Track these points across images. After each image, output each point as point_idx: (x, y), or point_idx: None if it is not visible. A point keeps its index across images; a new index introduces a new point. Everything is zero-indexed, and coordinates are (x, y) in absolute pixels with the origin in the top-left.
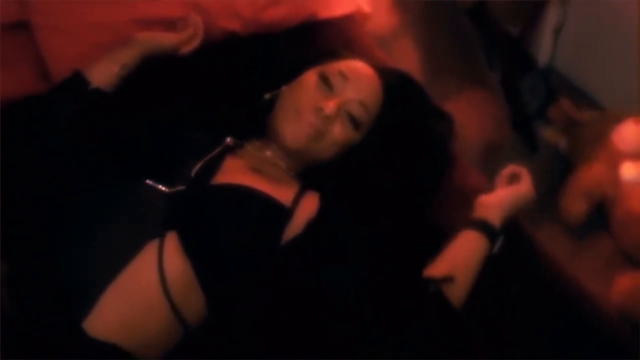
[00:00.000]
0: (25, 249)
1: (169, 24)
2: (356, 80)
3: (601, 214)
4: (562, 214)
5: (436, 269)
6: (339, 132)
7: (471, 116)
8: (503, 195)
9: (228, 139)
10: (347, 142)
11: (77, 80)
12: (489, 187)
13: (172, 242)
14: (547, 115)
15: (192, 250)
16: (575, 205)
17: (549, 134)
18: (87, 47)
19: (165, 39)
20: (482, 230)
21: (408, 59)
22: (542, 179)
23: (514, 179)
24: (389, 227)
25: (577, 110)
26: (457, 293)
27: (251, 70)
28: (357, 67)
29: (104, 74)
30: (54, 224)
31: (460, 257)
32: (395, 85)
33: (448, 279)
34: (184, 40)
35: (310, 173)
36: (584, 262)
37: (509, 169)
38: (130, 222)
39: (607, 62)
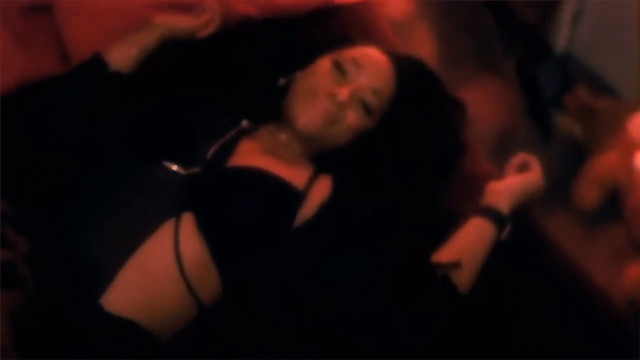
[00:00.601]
0: (43, 226)
1: (186, 8)
2: (369, 68)
3: (614, 203)
4: (575, 202)
5: (444, 254)
6: (352, 118)
7: (485, 105)
8: (512, 183)
9: (243, 122)
10: (360, 128)
11: (96, 63)
12: (499, 174)
13: (188, 222)
14: (562, 103)
15: (207, 230)
16: (588, 193)
17: (564, 122)
18: (107, 30)
19: (184, 23)
20: (490, 218)
21: (423, 46)
22: (556, 166)
23: (524, 167)
24: (400, 211)
25: (594, 97)
26: (463, 279)
27: (267, 55)
28: (371, 54)
29: (122, 56)
30: (71, 202)
31: (468, 244)
32: (408, 72)
33: (455, 265)
34: (202, 25)
35: (323, 157)
36: (596, 250)
37: (519, 157)
38: (146, 202)
39: (626, 49)
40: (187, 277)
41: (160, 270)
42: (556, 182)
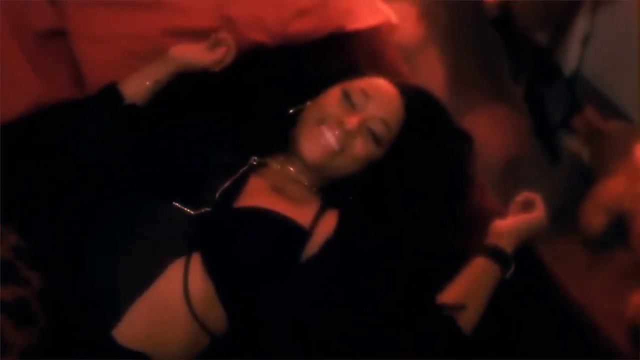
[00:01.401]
0: (57, 260)
1: (200, 34)
2: (378, 98)
3: (619, 228)
4: (581, 226)
5: (450, 294)
6: (360, 147)
7: (493, 131)
8: (516, 222)
9: (253, 159)
10: (368, 158)
11: (112, 94)
12: (504, 211)
13: (197, 262)
14: (571, 125)
15: (214, 272)
16: (594, 218)
17: (572, 144)
18: (121, 55)
19: (199, 58)
20: (495, 258)
21: (432, 72)
22: (563, 189)
23: (527, 205)
24: (406, 245)
25: (602, 119)
26: (468, 319)
27: (277, 85)
28: (380, 85)
29: (137, 88)
30: (85, 236)
31: (473, 285)
32: (416, 103)
33: (460, 307)
34: (217, 59)
35: (332, 188)
36: (600, 275)
37: (523, 196)
38: (158, 241)
39: (635, 71)
40: (196, 313)
41: (170, 306)
42: (563, 205)
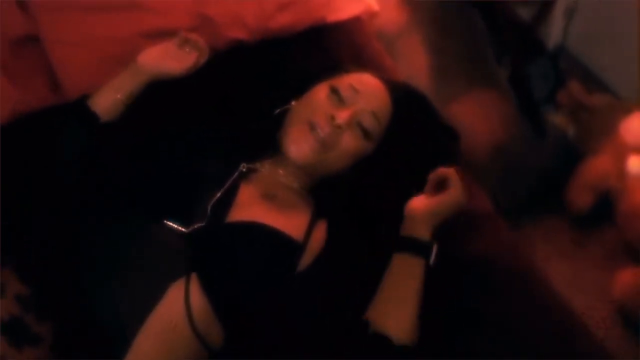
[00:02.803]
0: (56, 294)
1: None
2: (367, 92)
3: (606, 206)
4: (567, 205)
5: (376, 311)
6: (350, 142)
7: (479, 117)
8: (431, 205)
9: (242, 166)
10: (358, 153)
11: (85, 114)
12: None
13: (195, 282)
14: (556, 100)
15: (210, 290)
16: (581, 196)
17: (557, 120)
18: (97, 59)
19: (171, 69)
20: (413, 250)
21: (415, 59)
22: (549, 166)
23: (443, 183)
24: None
25: (587, 93)
26: (403, 327)
27: (260, 85)
28: (367, 80)
29: (109, 103)
30: (81, 270)
31: (397, 288)
32: (403, 98)
33: (367, 323)
34: (189, 67)
35: (322, 187)
36: (587, 253)
37: (436, 173)
38: (154, 265)
39: (620, 43)
40: (199, 332)
41: (174, 330)
42: (549, 183)
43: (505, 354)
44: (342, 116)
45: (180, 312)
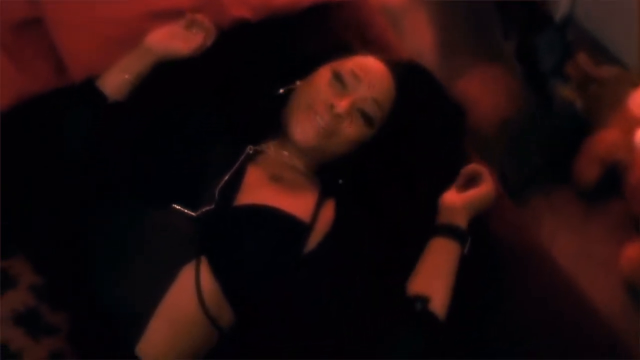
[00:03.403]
0: (67, 283)
1: (181, 15)
2: (369, 79)
3: (614, 179)
4: (575, 178)
5: (416, 284)
6: (351, 129)
7: (485, 91)
8: (467, 198)
9: (249, 148)
10: (360, 139)
11: (93, 94)
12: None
13: (205, 265)
14: (563, 73)
15: (219, 273)
16: (588, 169)
17: (565, 93)
18: (101, 41)
19: (178, 50)
20: (453, 236)
21: (420, 35)
22: (557, 139)
23: (474, 178)
24: (401, 229)
25: (595, 65)
26: (440, 305)
27: (265, 65)
28: (370, 64)
29: (117, 83)
30: (91, 256)
31: (438, 268)
32: (408, 78)
33: (426, 299)
34: (196, 48)
35: (328, 170)
36: (595, 225)
37: (470, 168)
38: (164, 250)
39: (628, 14)
40: (210, 315)
41: (186, 314)
42: (557, 156)
43: (509, 334)
44: (342, 105)
45: (191, 296)
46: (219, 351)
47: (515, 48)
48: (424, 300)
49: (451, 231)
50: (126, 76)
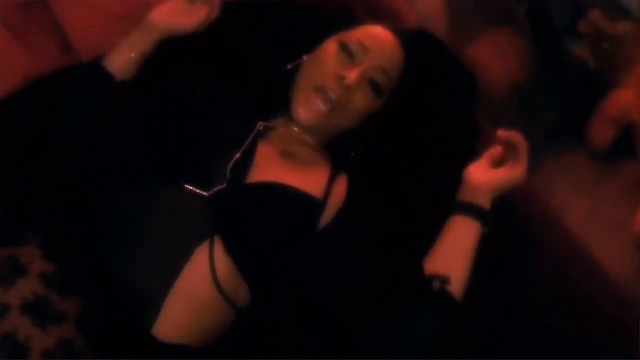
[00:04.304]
0: (79, 265)
1: None
2: (376, 48)
3: (628, 140)
4: (588, 141)
5: (437, 262)
6: (361, 101)
7: (496, 57)
8: (496, 180)
9: (259, 124)
10: (371, 110)
11: (101, 74)
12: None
13: (219, 244)
14: (577, 30)
15: (234, 252)
16: (602, 131)
17: (579, 51)
18: (106, 18)
19: (183, 25)
20: (475, 216)
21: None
22: (570, 99)
23: (510, 148)
24: (413, 205)
25: (609, 22)
26: (458, 285)
27: (272, 40)
28: (377, 33)
29: (123, 62)
30: (105, 236)
31: (455, 248)
32: (417, 47)
33: (446, 280)
34: (202, 23)
35: (339, 144)
36: (608, 187)
37: (509, 136)
38: (177, 230)
39: None
40: (225, 293)
41: (201, 294)
42: (570, 116)
43: (523, 309)
44: (352, 75)
45: (206, 275)
46: (235, 330)
47: (526, 8)
48: (444, 280)
49: (473, 211)
50: (132, 55)
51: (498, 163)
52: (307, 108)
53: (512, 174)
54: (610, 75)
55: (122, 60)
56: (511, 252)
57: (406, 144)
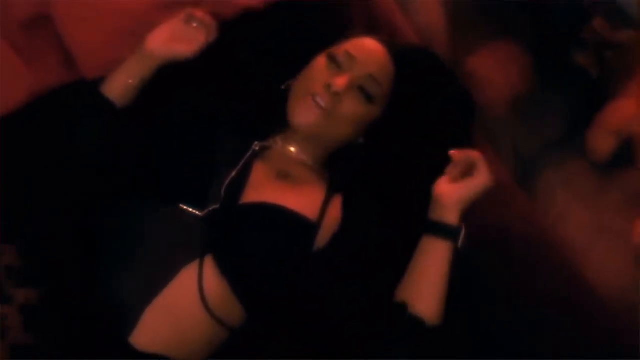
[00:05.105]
0: (64, 270)
1: (187, 5)
2: (363, 57)
3: (630, 150)
4: (589, 150)
5: (402, 289)
6: (351, 107)
7: (497, 68)
8: (460, 193)
9: (255, 144)
10: (363, 117)
11: (101, 103)
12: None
13: (209, 264)
14: (579, 38)
15: (227, 272)
16: (602, 141)
17: (581, 60)
18: (110, 33)
19: (181, 53)
20: (444, 235)
21: (429, 12)
22: (571, 108)
23: (468, 166)
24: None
25: (612, 30)
26: (431, 309)
27: (268, 59)
28: (365, 44)
29: (122, 88)
30: (95, 247)
31: (428, 272)
32: (409, 59)
33: (404, 307)
34: (199, 49)
35: (336, 159)
36: (609, 197)
37: (461, 156)
38: (168, 247)
39: None
40: (213, 312)
41: (186, 309)
42: (571, 126)
43: (518, 327)
44: (339, 83)
45: (193, 292)
46: (231, 347)
47: (529, 16)
48: (404, 306)
49: (442, 230)
50: (130, 81)
51: (462, 175)
52: (302, 114)
53: (475, 182)
54: (611, 84)
55: (121, 87)
56: (501, 272)
57: (402, 162)
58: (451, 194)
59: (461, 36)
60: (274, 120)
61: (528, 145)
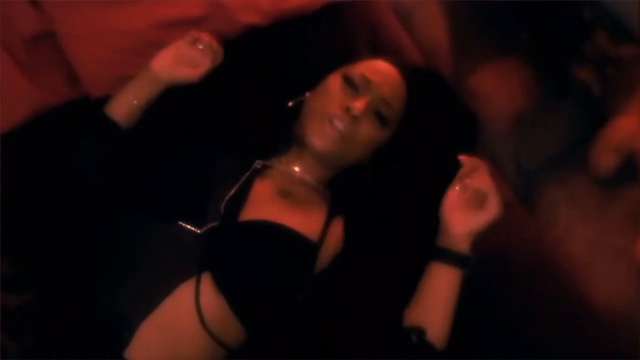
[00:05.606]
0: (61, 284)
1: (190, 24)
2: (380, 81)
3: (631, 169)
4: (591, 167)
5: (414, 313)
6: (368, 131)
7: (499, 86)
8: (471, 225)
9: (257, 163)
10: (376, 140)
11: (104, 124)
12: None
13: (207, 281)
14: (580, 53)
15: (225, 289)
16: (604, 158)
17: (582, 75)
18: (112, 52)
19: (186, 76)
20: (455, 263)
21: (433, 29)
22: (573, 124)
23: (480, 195)
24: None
25: (614, 45)
26: (439, 334)
27: (273, 77)
28: (379, 67)
29: (127, 110)
30: (91, 262)
31: (437, 298)
32: (419, 83)
33: (421, 332)
34: (205, 73)
35: (340, 180)
36: (612, 214)
37: (473, 186)
38: (166, 265)
39: None
40: (211, 331)
41: (182, 325)
42: (573, 142)
43: (520, 346)
44: (358, 106)
45: (190, 310)
46: None
47: (530, 33)
48: (420, 332)
49: (454, 258)
50: (135, 102)
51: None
52: (319, 136)
53: (486, 216)
54: (613, 100)
55: (125, 108)
56: (503, 293)
57: (405, 184)
58: (463, 225)
59: (463, 53)
60: (278, 139)
61: (530, 161)
